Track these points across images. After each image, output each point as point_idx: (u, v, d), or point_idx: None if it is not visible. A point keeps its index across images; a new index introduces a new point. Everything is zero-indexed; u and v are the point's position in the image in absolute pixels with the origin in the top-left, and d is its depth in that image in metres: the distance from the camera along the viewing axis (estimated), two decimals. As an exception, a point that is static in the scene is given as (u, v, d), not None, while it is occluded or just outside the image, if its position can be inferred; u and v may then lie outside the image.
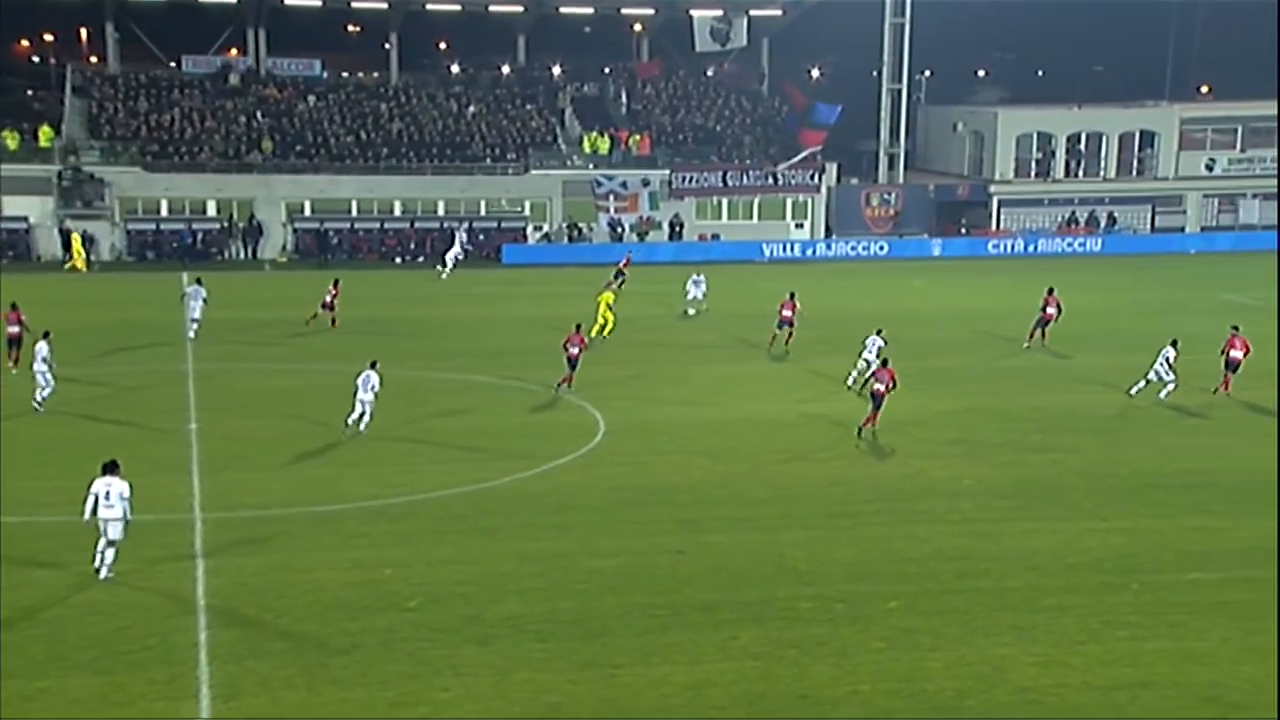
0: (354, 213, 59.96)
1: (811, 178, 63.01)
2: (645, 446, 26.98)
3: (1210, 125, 65.85)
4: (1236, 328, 32.56)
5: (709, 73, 69.45)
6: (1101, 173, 65.81)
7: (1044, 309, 37.57)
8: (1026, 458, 26.24)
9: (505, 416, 29.02)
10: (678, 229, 61.88)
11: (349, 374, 28.16)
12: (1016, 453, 26.61)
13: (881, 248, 61.41)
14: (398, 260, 58.88)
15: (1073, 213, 64.71)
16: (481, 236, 60.20)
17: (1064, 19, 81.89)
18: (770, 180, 62.37)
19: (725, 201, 62.93)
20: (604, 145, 63.10)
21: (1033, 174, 65.72)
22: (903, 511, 22.80)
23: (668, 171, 62.29)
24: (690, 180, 62.41)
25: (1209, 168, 65.23)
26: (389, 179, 60.29)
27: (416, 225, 60.21)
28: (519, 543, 21.10)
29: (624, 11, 68.11)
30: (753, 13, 66.40)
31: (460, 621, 17.81)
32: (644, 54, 70.63)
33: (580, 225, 61.72)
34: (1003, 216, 64.96)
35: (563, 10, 67.29)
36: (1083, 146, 65.86)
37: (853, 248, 61.16)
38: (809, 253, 61.31)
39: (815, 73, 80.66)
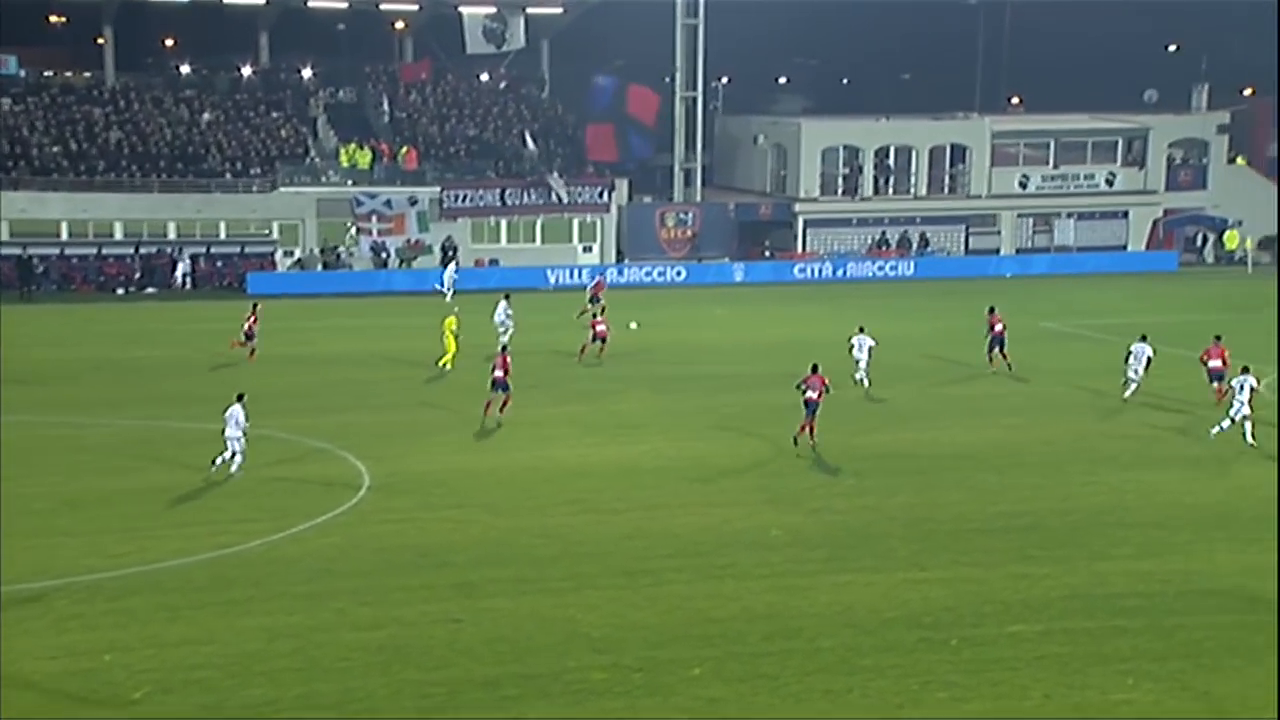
0: (64, 236, 57.53)
1: (600, 195, 63.85)
2: (416, 501, 26.76)
3: (1023, 139, 69.77)
4: (1218, 337, 35.39)
5: (483, 77, 69.66)
6: (912, 190, 68.82)
7: (991, 328, 39.37)
8: (839, 503, 27.05)
9: (252, 471, 28.27)
10: (451, 253, 61.68)
11: (49, 424, 26.94)
12: (828, 498, 27.41)
13: (679, 273, 62.63)
14: (119, 291, 56.73)
15: (883, 233, 67.42)
16: (220, 264, 58.62)
17: (868, 23, 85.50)
18: (554, 198, 62.91)
19: (504, 222, 63.13)
20: (364, 159, 62.47)
21: (839, 191, 68.23)
22: (705, 567, 23.16)
23: (438, 189, 62.12)
24: (464, 198, 62.35)
25: (1023, 185, 69.08)
26: (107, 197, 58.13)
27: (142, 250, 58.20)
28: (268, 617, 20.57)
29: (383, 7, 67.61)
30: (530, 10, 67.04)
31: (197, 712, 17.27)
32: (408, 55, 70.37)
33: (338, 250, 60.83)
34: (809, 238, 67.17)
35: (311, 4, 66.38)
36: (891, 161, 68.75)
37: (647, 273, 62.20)
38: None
39: (601, 79, 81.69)
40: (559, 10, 68.25)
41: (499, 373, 32.99)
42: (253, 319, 41.02)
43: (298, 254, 60.75)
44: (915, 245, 67.09)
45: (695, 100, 65.79)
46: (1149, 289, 59.49)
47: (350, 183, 61.68)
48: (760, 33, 78.29)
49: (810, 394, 30.50)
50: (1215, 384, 34.94)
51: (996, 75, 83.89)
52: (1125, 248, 69.21)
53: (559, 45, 71.73)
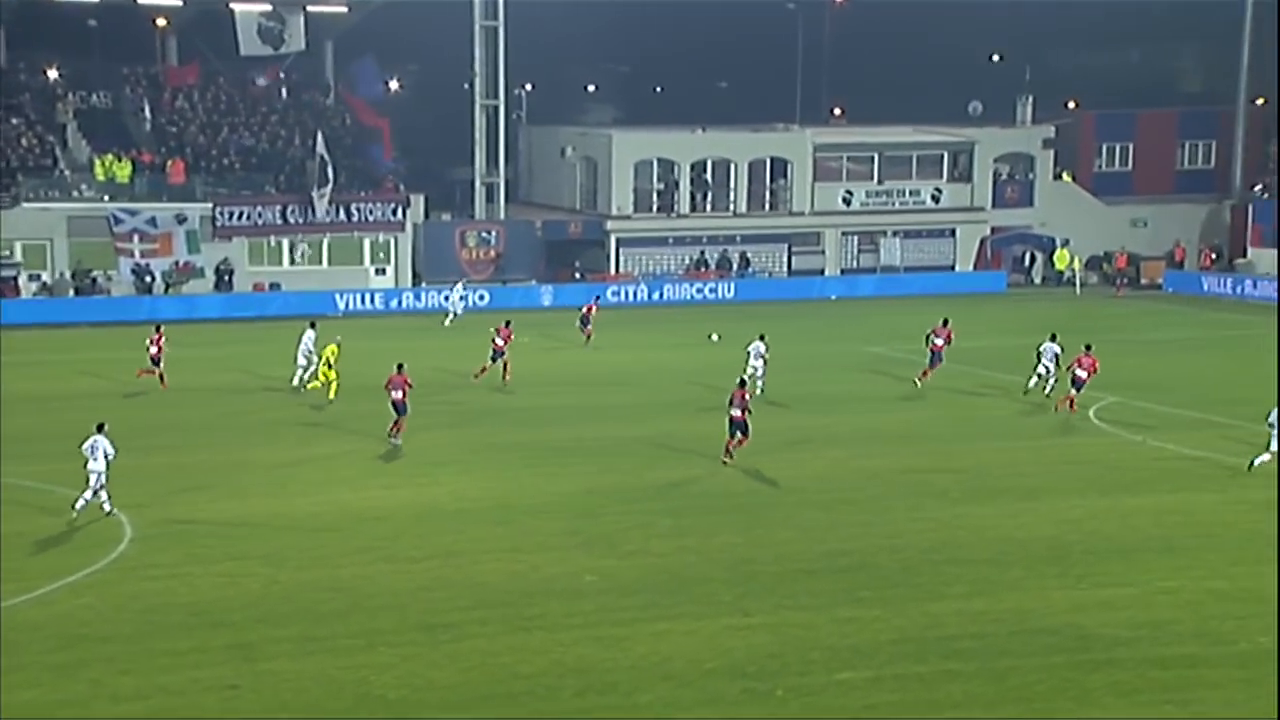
0: None
1: (394, 212, 63.31)
2: (186, 554, 26.08)
3: (846, 153, 71.64)
4: (1089, 346, 39.00)
5: (259, 82, 68.47)
6: (732, 207, 69.99)
7: (934, 340, 42.47)
8: (656, 545, 27.25)
9: (-8, 526, 27.15)
10: (226, 277, 60.38)
11: None
12: (644, 540, 27.59)
13: (482, 297, 62.50)
14: None
15: (702, 253, 68.43)
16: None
17: (682, 27, 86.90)
18: (341, 215, 62.11)
19: (286, 242, 62.04)
20: (123, 171, 60.74)
21: (655, 208, 68.99)
22: (512, 618, 23.07)
23: (210, 205, 60.75)
24: (240, 216, 61.13)
25: (846, 201, 70.93)
26: None
27: None
28: (7, 694, 19.73)
29: (141, 2, 65.75)
30: (310, 9, 66.17)
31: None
32: (172, 57, 68.80)
33: (94, 273, 58.96)
34: (622, 258, 67.75)
35: (54, -5, 64.24)
36: (709, 176, 69.86)
37: (446, 297, 61.88)
38: (393, 304, 61.51)
39: (394, 84, 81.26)
40: (343, 9, 67.50)
41: (396, 394, 34.73)
42: (158, 340, 41.44)
43: (45, 278, 58.69)
44: (735, 265, 68.22)
45: (497, 109, 65.84)
46: (978, 311, 61.43)
47: (107, 198, 59.87)
48: (566, 37, 78.89)
49: (734, 412, 32.97)
50: (1075, 391, 38.37)
51: (818, 84, 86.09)
52: (953, 267, 71.57)
53: (344, 47, 71.01)
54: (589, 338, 50.89)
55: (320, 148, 61.07)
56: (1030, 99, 74.83)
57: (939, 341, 42.02)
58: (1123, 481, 32.10)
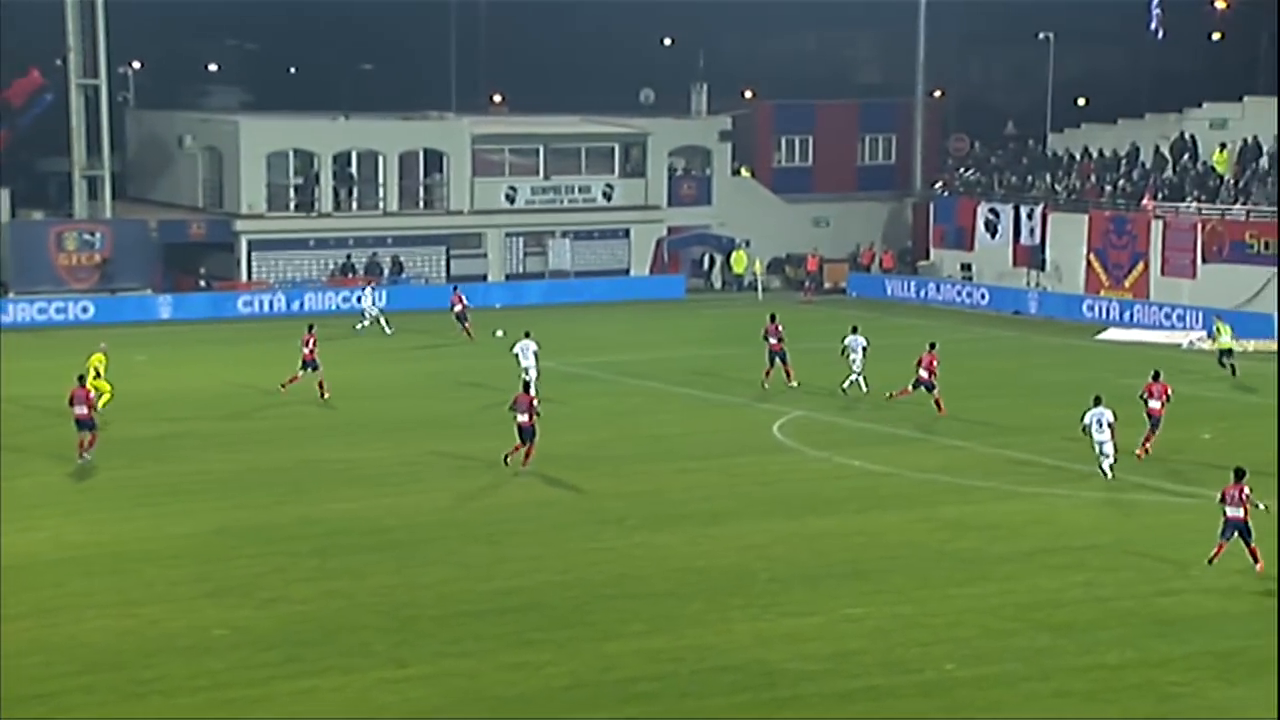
0: None
1: (-26, 210, 60.23)
2: None
3: (508, 145, 72.05)
4: (933, 345, 41.62)
5: None
6: (381, 205, 69.42)
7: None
8: (299, 590, 26.82)
9: None
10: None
11: None
12: (284, 585, 27.11)
13: (84, 309, 60.28)
14: None
15: (348, 257, 67.60)
16: None
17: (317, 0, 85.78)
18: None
19: None
20: None
21: (292, 206, 67.79)
22: (124, 684, 22.29)
23: None
24: None
25: (510, 199, 71.32)
26: None
27: None
28: None
29: None
30: None
31: None
32: None
33: None
34: (255, 263, 66.30)
35: None
36: (355, 170, 69.12)
37: (41, 310, 59.28)
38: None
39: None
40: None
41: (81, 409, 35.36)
42: (311, 341, 43.45)
43: None
44: (387, 271, 67.53)
45: (98, 90, 63.37)
46: (655, 319, 62.97)
47: None
48: (181, 6, 76.76)
49: (521, 417, 34.88)
50: (911, 389, 41.33)
51: (474, 68, 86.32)
52: (628, 271, 72.88)
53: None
54: (469, 334, 53.87)
55: None
56: (705, 87, 76.89)
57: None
58: (809, 502, 33.28)
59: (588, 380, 47.66)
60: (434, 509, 32.46)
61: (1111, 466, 34.39)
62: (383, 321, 57.49)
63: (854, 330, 44.50)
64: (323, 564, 28.36)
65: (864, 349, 43.89)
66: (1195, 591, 26.87)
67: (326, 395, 43.41)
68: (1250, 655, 23.75)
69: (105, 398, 39.96)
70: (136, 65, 78.60)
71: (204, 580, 27.27)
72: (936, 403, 41.32)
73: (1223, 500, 27.31)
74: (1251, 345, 52.98)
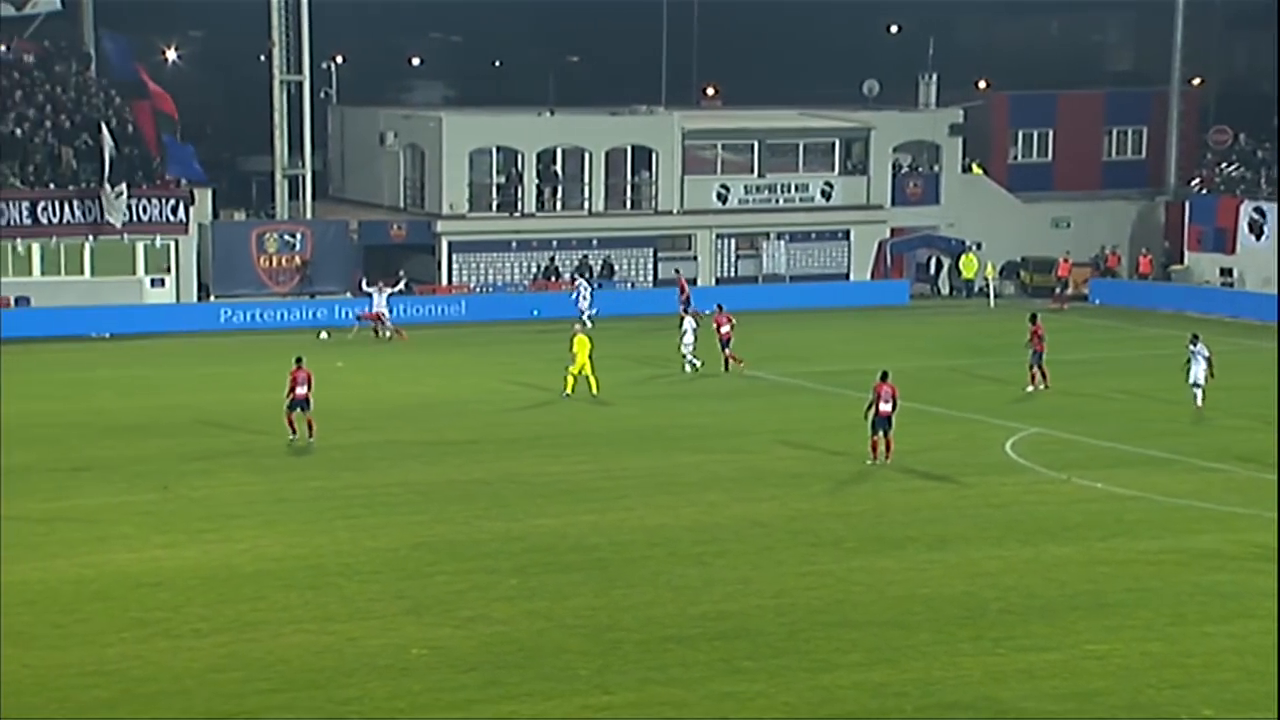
0: None
1: (173, 210, 62.07)
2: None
3: (720, 140, 72.07)
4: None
5: (3, 49, 66.91)
6: (587, 205, 69.97)
7: (1034, 338, 46.63)
8: (499, 610, 27.16)
9: None
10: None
11: None
12: (484, 604, 27.47)
13: (284, 314, 61.81)
14: None
15: (552, 259, 68.29)
16: None
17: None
18: (105, 215, 60.51)
19: (37, 246, 60.58)
20: None
21: (494, 206, 68.73)
22: (322, 703, 22.80)
23: (-72, 201, 59.16)
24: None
25: (721, 198, 71.37)
26: None
27: None
28: None
29: None
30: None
31: None
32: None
33: None
34: (456, 266, 67.40)
35: None
36: (559, 168, 69.76)
37: (244, 315, 60.91)
38: (178, 324, 60.29)
39: (171, 54, 79.84)
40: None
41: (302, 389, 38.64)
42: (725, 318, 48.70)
43: None
44: (597, 274, 67.92)
45: (300, 86, 65.11)
46: (877, 327, 62.38)
47: None
48: (384, 2, 78.33)
49: (884, 406, 37.08)
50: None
51: (686, 59, 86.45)
52: (848, 276, 72.40)
53: (109, 10, 69.59)
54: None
55: (106, 138, 59.59)
56: (934, 77, 75.94)
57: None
58: (1046, 527, 32.74)
59: (802, 392, 47.49)
60: (639, 526, 32.66)
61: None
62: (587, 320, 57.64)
63: (1194, 339, 44.60)
64: (524, 582, 28.70)
65: (1207, 359, 44.09)
66: None
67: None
68: None
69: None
70: (339, 60, 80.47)
71: (402, 597, 27.81)
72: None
73: None
74: None
